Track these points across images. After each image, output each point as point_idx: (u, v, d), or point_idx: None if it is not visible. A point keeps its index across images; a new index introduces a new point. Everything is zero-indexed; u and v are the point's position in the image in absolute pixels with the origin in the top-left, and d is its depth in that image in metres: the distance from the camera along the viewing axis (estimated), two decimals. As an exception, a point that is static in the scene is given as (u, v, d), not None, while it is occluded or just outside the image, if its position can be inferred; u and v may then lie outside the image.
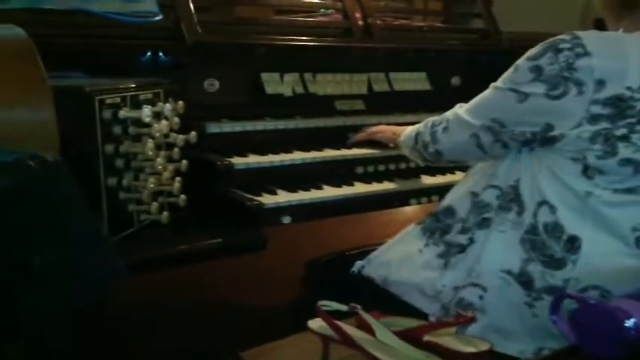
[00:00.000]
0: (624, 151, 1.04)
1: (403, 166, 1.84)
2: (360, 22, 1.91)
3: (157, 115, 1.37)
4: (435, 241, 1.29)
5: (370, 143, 1.79)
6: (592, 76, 1.03)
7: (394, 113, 2.01)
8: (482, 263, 1.17)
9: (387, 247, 1.42)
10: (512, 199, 1.17)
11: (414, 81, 2.09)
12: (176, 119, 1.41)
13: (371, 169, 1.80)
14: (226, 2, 1.89)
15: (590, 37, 1.06)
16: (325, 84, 1.92)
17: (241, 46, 1.75)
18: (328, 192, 1.63)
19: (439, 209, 1.34)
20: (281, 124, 1.77)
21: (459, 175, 1.74)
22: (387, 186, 1.73)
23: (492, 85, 1.21)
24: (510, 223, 1.16)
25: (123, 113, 1.27)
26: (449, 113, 1.33)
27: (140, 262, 1.35)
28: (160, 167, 1.31)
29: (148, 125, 1.29)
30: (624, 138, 1.04)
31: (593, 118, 1.04)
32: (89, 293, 0.80)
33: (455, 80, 2.19)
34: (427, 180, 1.83)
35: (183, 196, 1.43)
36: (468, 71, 2.18)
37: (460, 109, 1.28)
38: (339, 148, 1.78)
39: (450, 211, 1.30)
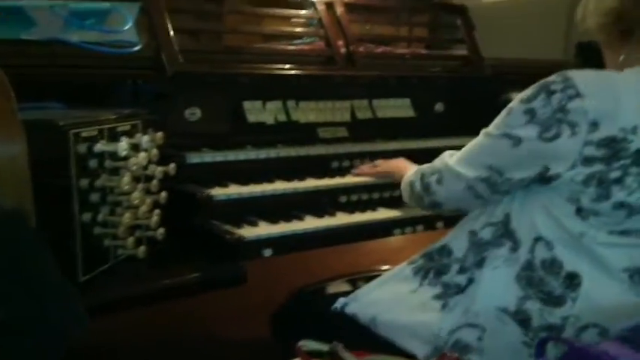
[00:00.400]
0: (618, 194, 1.02)
1: (387, 194, 1.82)
2: (343, 50, 1.90)
3: (136, 147, 1.34)
4: (430, 282, 1.24)
5: None
6: (585, 117, 1.02)
7: (377, 140, 2.00)
8: (478, 302, 1.13)
9: (375, 285, 1.38)
10: (502, 234, 1.15)
11: (397, 108, 2.09)
12: (155, 151, 1.38)
13: (354, 197, 1.78)
14: (208, 30, 1.88)
15: (581, 78, 1.04)
16: (308, 111, 1.90)
17: (223, 75, 1.73)
18: (310, 223, 1.60)
19: (433, 248, 1.30)
20: (262, 153, 1.74)
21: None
22: (369, 216, 1.71)
23: (484, 131, 1.17)
24: (503, 258, 1.13)
25: (99, 147, 1.24)
26: (439, 163, 1.27)
27: (116, 298, 1.32)
28: (136, 201, 1.28)
29: (124, 158, 1.26)
30: (618, 181, 1.02)
31: (587, 160, 1.02)
32: (53, 345, 0.76)
33: (438, 106, 2.19)
34: (412, 209, 1.80)
35: (161, 230, 1.39)
36: (451, 97, 2.18)
37: (451, 160, 1.24)
38: (321, 177, 1.76)
39: (445, 249, 1.26)
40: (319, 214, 1.65)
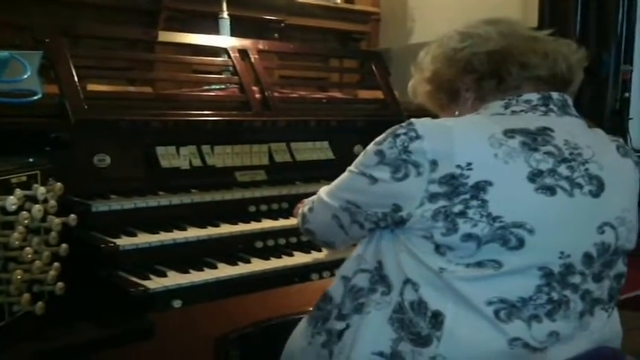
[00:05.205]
0: (464, 226, 1.06)
1: (305, 238, 1.80)
2: (258, 96, 1.92)
3: (32, 199, 1.29)
4: (318, 331, 1.28)
5: None
6: (425, 157, 1.09)
7: (297, 183, 2.01)
8: (355, 348, 1.15)
9: (290, 340, 1.40)
10: (377, 280, 1.18)
11: (316, 150, 2.11)
12: (53, 202, 1.33)
13: (271, 243, 1.76)
14: (118, 76, 1.86)
15: (421, 123, 1.13)
16: (224, 156, 1.89)
17: (132, 121, 1.70)
18: (223, 271, 1.57)
19: (319, 298, 1.32)
20: (176, 200, 1.71)
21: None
22: (285, 262, 1.69)
23: (348, 168, 1.26)
24: (374, 303, 1.16)
25: (-15, 201, 1.18)
26: (315, 195, 1.39)
27: (12, 357, 1.25)
28: (29, 256, 1.22)
29: (15, 212, 1.21)
30: (462, 214, 1.06)
31: (433, 197, 1.08)
32: None
33: (357, 148, 2.22)
34: (329, 253, 1.80)
35: (60, 284, 1.34)
36: (369, 139, 2.21)
37: (323, 191, 1.34)
38: (236, 223, 1.74)
39: (327, 297, 1.29)
40: (233, 261, 1.63)
